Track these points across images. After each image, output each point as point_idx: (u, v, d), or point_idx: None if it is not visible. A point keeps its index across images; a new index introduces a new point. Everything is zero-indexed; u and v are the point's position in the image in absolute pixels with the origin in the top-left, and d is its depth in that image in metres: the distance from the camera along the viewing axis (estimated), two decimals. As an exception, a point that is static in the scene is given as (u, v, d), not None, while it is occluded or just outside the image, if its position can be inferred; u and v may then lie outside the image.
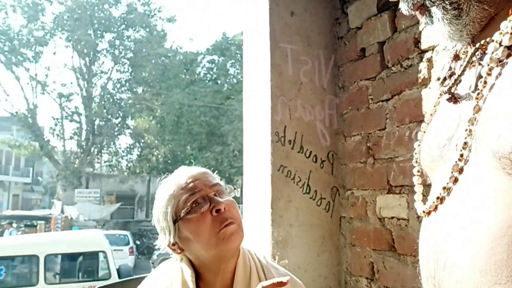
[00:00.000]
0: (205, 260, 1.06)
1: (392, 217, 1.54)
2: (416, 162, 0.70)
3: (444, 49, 1.35)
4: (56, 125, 24.12)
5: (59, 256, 7.86)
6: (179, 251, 1.09)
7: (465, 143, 0.54)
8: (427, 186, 0.70)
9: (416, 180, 0.70)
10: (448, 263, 0.52)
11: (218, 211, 1.02)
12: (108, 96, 24.88)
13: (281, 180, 1.75)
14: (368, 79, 1.69)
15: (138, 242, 17.17)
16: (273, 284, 0.85)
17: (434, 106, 0.69)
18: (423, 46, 1.43)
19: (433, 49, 1.39)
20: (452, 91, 0.61)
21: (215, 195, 1.05)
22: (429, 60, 1.41)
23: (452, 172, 0.56)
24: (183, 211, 1.04)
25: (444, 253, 0.53)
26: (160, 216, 1.09)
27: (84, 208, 18.45)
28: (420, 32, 1.44)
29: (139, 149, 26.39)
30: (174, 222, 1.06)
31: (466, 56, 0.60)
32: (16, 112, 22.98)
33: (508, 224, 0.45)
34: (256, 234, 1.79)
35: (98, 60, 24.90)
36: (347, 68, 1.83)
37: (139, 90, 25.30)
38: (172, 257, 1.14)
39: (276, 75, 1.80)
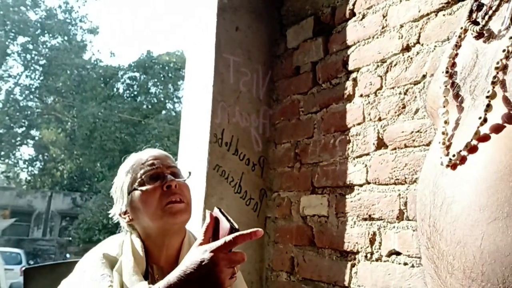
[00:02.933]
0: (151, 232, 1.15)
1: (314, 215, 1.74)
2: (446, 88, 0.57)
3: (367, 71, 1.60)
4: None
5: None
6: (128, 220, 1.18)
7: (492, 92, 0.48)
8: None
9: (443, 119, 0.57)
10: (446, 201, 0.48)
11: (169, 186, 1.13)
12: (14, 102, 23.00)
13: (216, 178, 1.88)
14: (300, 94, 1.91)
15: (31, 262, 15.72)
16: (248, 235, 0.90)
17: (460, 37, 0.59)
18: (350, 67, 1.68)
19: (358, 70, 1.65)
20: (485, 28, 0.54)
21: (170, 174, 1.17)
22: (354, 80, 1.66)
23: (477, 127, 0.48)
24: (137, 181, 1.15)
25: (443, 190, 0.50)
26: (117, 185, 1.20)
27: (-29, 221, 16.54)
28: (348, 55, 1.69)
29: (43, 163, 24.52)
30: (129, 192, 1.16)
31: None
32: None
33: None
34: (187, 227, 1.87)
35: (6, 63, 23.06)
36: (282, 83, 2.04)
37: (50, 99, 23.77)
38: (122, 231, 1.21)
39: (219, 82, 1.95)
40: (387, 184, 1.46)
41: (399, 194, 1.41)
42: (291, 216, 1.85)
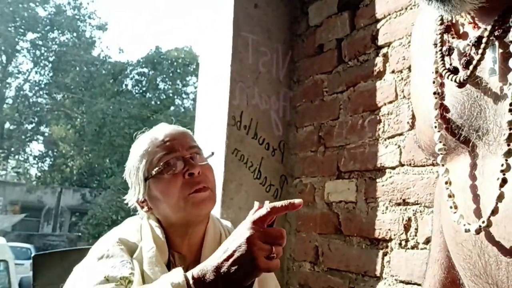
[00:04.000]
0: (172, 222, 1.03)
1: (340, 201, 1.62)
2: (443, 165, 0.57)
3: (400, 45, 1.48)
4: (-42, 123, 21.80)
5: (-47, 263, 6.99)
6: (147, 209, 1.06)
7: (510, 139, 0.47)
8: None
9: (453, 190, 0.56)
10: (503, 259, 0.48)
11: (191, 174, 0.99)
12: (23, 99, 23.12)
13: (234, 163, 1.77)
14: (324, 73, 1.79)
15: (42, 257, 15.78)
16: (285, 206, 0.81)
17: (439, 84, 0.58)
18: (380, 42, 1.56)
19: (389, 45, 1.53)
20: (472, 76, 0.52)
21: (191, 157, 1.03)
22: (385, 55, 1.54)
23: (502, 174, 0.47)
24: (155, 169, 1.01)
25: (493, 249, 0.49)
26: (132, 170, 1.06)
27: (-18, 216, 16.66)
28: (378, 29, 1.57)
29: (52, 159, 24.63)
30: (145, 179, 1.03)
31: (484, 33, 0.51)
32: None
33: None
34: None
35: (16, 60, 23.19)
36: (304, 63, 1.93)
37: (59, 96, 23.85)
38: (139, 214, 1.10)
39: (237, 61, 1.84)
40: (423, 166, 1.34)
41: (438, 176, 1.29)
42: (315, 203, 1.74)
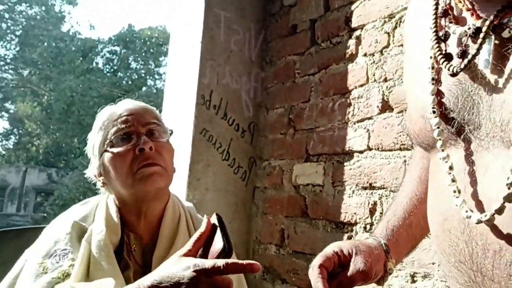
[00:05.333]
0: (125, 199, 0.99)
1: (308, 184, 1.61)
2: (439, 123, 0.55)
3: (373, 28, 1.46)
4: None
5: None
6: (102, 184, 1.02)
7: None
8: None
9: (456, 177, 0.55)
10: (491, 248, 0.49)
11: (141, 150, 0.95)
12: (-13, 73, 22.15)
13: (202, 143, 1.73)
14: (296, 54, 1.76)
15: (4, 237, 15.36)
16: (240, 266, 0.69)
17: (435, 70, 0.57)
18: (354, 24, 1.54)
19: (362, 28, 1.51)
20: (468, 68, 0.52)
21: (146, 134, 0.98)
22: (358, 38, 1.52)
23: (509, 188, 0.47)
24: (107, 142, 0.98)
25: (484, 238, 0.50)
26: (89, 143, 1.03)
27: None
28: (352, 11, 1.55)
29: (17, 137, 23.83)
30: (100, 153, 0.99)
31: (483, 26, 0.51)
32: None
33: None
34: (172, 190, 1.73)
35: (-21, 32, 22.09)
36: (276, 43, 1.89)
37: (25, 72, 22.96)
38: (101, 192, 1.06)
39: (208, 38, 1.78)
40: (391, 150, 1.34)
41: (405, 161, 1.30)
42: (283, 186, 1.73)
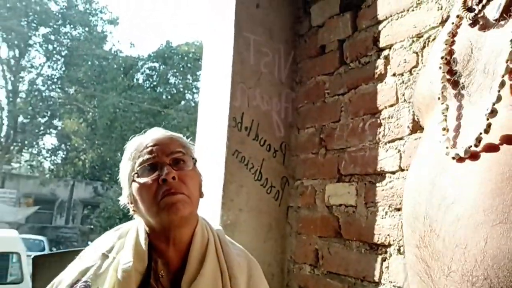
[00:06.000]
0: (154, 226, 1.04)
1: (340, 205, 1.61)
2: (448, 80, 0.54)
3: (401, 47, 1.46)
4: (-27, 117, 22.14)
5: (-36, 256, 7.14)
6: (132, 212, 1.09)
7: (502, 82, 0.46)
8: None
9: (444, 110, 0.55)
10: (446, 201, 0.47)
11: (164, 180, 0.99)
12: (36, 92, 23.38)
13: (235, 164, 1.77)
14: (326, 74, 1.78)
15: (54, 249, 16.06)
16: None
17: (456, 26, 0.58)
18: (381, 44, 1.54)
19: (390, 47, 1.50)
20: (479, 15, 0.53)
21: (170, 163, 1.03)
22: (386, 58, 1.51)
23: (487, 119, 0.47)
24: (134, 172, 1.04)
25: (443, 189, 0.48)
26: (121, 172, 1.10)
27: (-3, 209, 16.94)
28: (380, 31, 1.55)
29: (65, 152, 24.94)
30: (130, 182, 1.06)
31: None
32: None
33: None
34: (205, 217, 1.77)
35: (29, 54, 23.41)
36: (306, 64, 1.91)
37: (72, 90, 24.08)
38: (135, 218, 1.12)
39: (238, 62, 1.83)
40: (423, 171, 1.32)
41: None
42: (315, 206, 1.73)
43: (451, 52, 0.55)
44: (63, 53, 23.71)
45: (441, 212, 0.47)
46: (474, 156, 0.47)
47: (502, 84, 0.45)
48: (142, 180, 1.02)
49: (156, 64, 23.14)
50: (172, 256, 1.03)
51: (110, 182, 21.71)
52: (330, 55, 1.77)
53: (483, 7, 0.51)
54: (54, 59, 23.74)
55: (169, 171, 1.00)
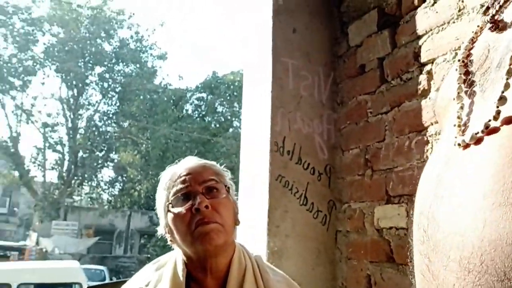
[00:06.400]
0: (191, 256, 1.04)
1: (391, 227, 1.54)
2: (463, 72, 0.56)
3: (444, 61, 1.40)
4: (38, 154, 23.68)
5: (32, 286, 7.52)
6: (170, 242, 1.09)
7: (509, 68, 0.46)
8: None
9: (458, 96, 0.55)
10: (449, 193, 0.46)
11: (197, 210, 0.99)
12: (94, 128, 24.72)
13: (279, 190, 1.75)
14: (367, 94, 1.74)
15: (114, 278, 16.54)
16: None
17: (476, 33, 0.59)
18: (423, 59, 1.49)
19: (432, 62, 1.45)
20: (496, 18, 0.53)
21: (203, 192, 1.03)
22: (429, 72, 1.46)
23: (497, 107, 0.46)
24: (167, 203, 1.05)
25: (448, 181, 0.47)
26: (156, 203, 1.11)
27: (60, 240, 17.82)
28: (420, 46, 1.50)
29: (121, 183, 25.96)
30: (165, 212, 1.06)
31: None
32: (-2, 140, 22.59)
33: None
34: (251, 243, 1.75)
35: (86, 92, 24.93)
36: (346, 84, 1.88)
37: (125, 124, 25.25)
38: (174, 249, 1.13)
39: (277, 87, 1.84)
40: (477, 189, 1.24)
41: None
42: (365, 229, 1.67)
43: (469, 56, 0.55)
44: (117, 90, 25.04)
45: (444, 202, 0.45)
46: (480, 141, 0.45)
47: (510, 72, 0.44)
48: (176, 210, 1.03)
49: (204, 94, 23.83)
50: (210, 286, 1.03)
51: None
52: (371, 73, 1.74)
53: (500, 7, 0.52)
54: (109, 95, 25.10)
55: (201, 200, 1.00)
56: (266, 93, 1.84)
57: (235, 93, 23.07)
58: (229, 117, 23.52)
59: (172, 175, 1.08)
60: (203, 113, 23.62)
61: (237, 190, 1.73)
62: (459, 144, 0.48)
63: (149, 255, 19.72)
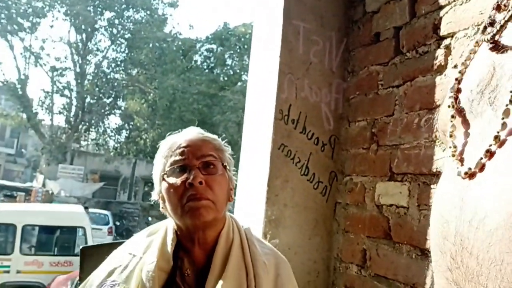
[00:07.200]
0: (180, 226, 1.05)
1: (391, 205, 1.51)
2: (452, 107, 0.60)
3: (464, 36, 1.32)
4: (46, 98, 23.72)
5: (37, 227, 7.75)
6: (162, 208, 1.10)
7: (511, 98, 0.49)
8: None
9: (451, 129, 0.60)
10: (477, 216, 0.45)
11: (191, 184, 0.99)
12: (102, 74, 24.56)
13: (280, 159, 1.72)
14: (379, 64, 1.66)
15: (117, 223, 17.04)
16: None
17: (469, 53, 0.63)
18: (443, 32, 1.40)
19: (452, 36, 1.36)
20: (496, 38, 0.55)
21: (199, 167, 1.02)
22: (447, 47, 1.38)
23: (498, 132, 0.49)
24: (165, 171, 1.05)
25: (473, 204, 0.46)
26: (153, 168, 1.11)
27: (67, 184, 18.21)
28: (441, 18, 1.41)
29: (128, 131, 26.15)
30: (160, 180, 1.07)
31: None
32: (6, 81, 22.54)
33: None
34: (249, 211, 1.75)
35: (95, 38, 24.54)
36: (359, 52, 1.80)
37: (134, 72, 25.04)
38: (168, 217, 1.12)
39: (286, 52, 1.76)
40: (485, 175, 1.20)
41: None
42: (365, 204, 1.64)
43: (459, 82, 0.59)
44: (126, 36, 24.62)
45: (473, 228, 0.45)
46: (482, 169, 0.48)
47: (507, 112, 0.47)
48: (171, 180, 1.03)
49: (214, 46, 23.39)
50: (197, 255, 1.04)
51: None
52: (385, 43, 1.65)
53: (501, 27, 0.54)
54: (118, 42, 24.73)
55: (196, 175, 1.00)
56: (274, 58, 1.76)
57: (245, 46, 22.61)
58: (238, 71, 23.19)
59: (172, 145, 1.07)
60: (212, 65, 23.30)
61: (239, 157, 1.71)
62: (465, 173, 0.50)
63: (152, 203, 20.16)
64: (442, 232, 0.52)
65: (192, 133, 1.10)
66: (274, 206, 1.69)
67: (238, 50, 22.90)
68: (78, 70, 23.72)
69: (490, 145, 0.48)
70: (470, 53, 0.62)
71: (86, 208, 10.21)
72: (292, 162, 1.73)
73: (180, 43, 23.90)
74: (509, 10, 0.56)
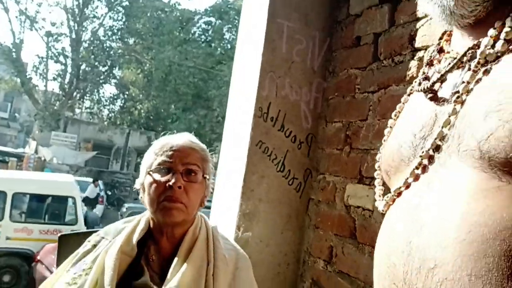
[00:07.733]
0: (153, 217, 1.18)
1: (358, 206, 1.58)
2: (379, 160, 0.70)
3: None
4: (40, 63, 23.45)
5: (27, 195, 7.82)
6: (140, 197, 1.22)
7: (438, 146, 0.54)
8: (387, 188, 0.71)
9: (377, 176, 0.72)
10: (426, 266, 0.47)
11: (170, 186, 1.11)
12: (98, 42, 24.21)
13: (258, 155, 1.77)
14: (358, 68, 1.70)
15: (109, 193, 17.17)
16: None
17: (403, 103, 0.70)
18: (417, 44, 1.43)
19: (426, 49, 1.40)
20: (435, 88, 0.60)
21: (182, 172, 1.14)
22: (420, 60, 1.42)
23: (415, 169, 0.56)
24: (149, 168, 1.17)
25: (422, 252, 0.48)
26: (143, 160, 1.23)
27: (59, 151, 18.23)
28: (417, 29, 1.44)
29: (123, 101, 25.99)
30: (145, 173, 1.18)
31: (458, 55, 0.60)
32: (1, 45, 22.18)
33: (501, 226, 0.42)
34: (225, 204, 1.81)
35: (92, 4, 24.07)
36: (340, 54, 1.83)
37: (131, 41, 24.70)
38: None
39: (269, 50, 1.78)
40: (443, 188, 1.26)
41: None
42: (335, 203, 1.71)
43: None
44: (123, 4, 24.17)
45: (422, 276, 0.46)
46: (399, 195, 0.61)
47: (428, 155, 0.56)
48: (155, 177, 1.14)
49: (212, 19, 23.05)
50: (165, 246, 1.17)
51: (163, 133, 22.50)
52: (365, 48, 1.68)
53: (441, 77, 0.60)
54: (115, 10, 24.28)
55: (178, 179, 1.12)
56: (257, 56, 1.79)
57: (244, 21, 22.29)
58: (235, 45, 22.92)
59: (164, 145, 1.18)
60: (210, 38, 23.01)
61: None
62: (383, 208, 0.65)
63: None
64: (390, 275, 0.53)
65: (184, 139, 1.21)
66: (249, 201, 1.75)
67: (237, 24, 22.57)
68: (74, 36, 23.37)
69: (407, 178, 0.57)
70: (403, 102, 0.71)
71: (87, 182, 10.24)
72: (269, 158, 1.78)
73: (178, 14, 23.51)
74: (449, 63, 0.61)
